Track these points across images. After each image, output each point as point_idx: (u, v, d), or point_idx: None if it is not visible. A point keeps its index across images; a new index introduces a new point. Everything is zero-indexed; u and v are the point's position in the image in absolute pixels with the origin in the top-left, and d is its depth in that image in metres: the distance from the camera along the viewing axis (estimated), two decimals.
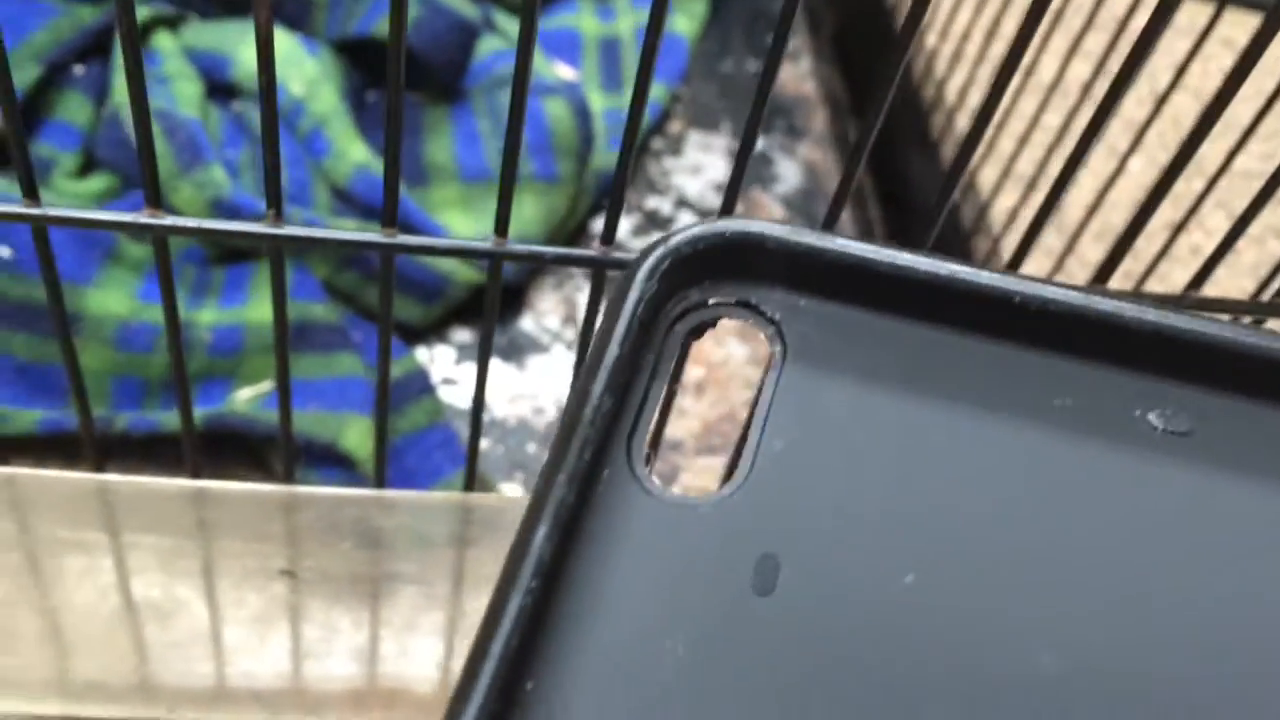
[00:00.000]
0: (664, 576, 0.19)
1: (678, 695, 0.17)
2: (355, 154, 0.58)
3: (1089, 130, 0.28)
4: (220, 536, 0.34)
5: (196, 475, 0.33)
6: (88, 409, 0.32)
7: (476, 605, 0.39)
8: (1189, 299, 0.34)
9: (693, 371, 0.63)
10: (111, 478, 0.31)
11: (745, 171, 0.27)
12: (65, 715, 0.40)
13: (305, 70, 0.59)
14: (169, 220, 0.28)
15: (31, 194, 0.28)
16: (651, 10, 0.25)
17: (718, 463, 0.62)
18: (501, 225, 0.29)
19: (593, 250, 0.30)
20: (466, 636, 0.40)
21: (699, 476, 0.61)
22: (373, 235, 0.29)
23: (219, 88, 0.60)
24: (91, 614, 0.38)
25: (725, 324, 0.65)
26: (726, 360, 0.65)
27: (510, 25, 0.69)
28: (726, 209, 0.28)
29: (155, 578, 0.36)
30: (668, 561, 0.19)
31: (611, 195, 0.29)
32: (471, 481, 0.34)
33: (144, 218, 0.28)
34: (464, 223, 0.59)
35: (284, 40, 0.60)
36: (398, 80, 0.25)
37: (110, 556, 0.35)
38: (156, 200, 0.28)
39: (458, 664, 0.41)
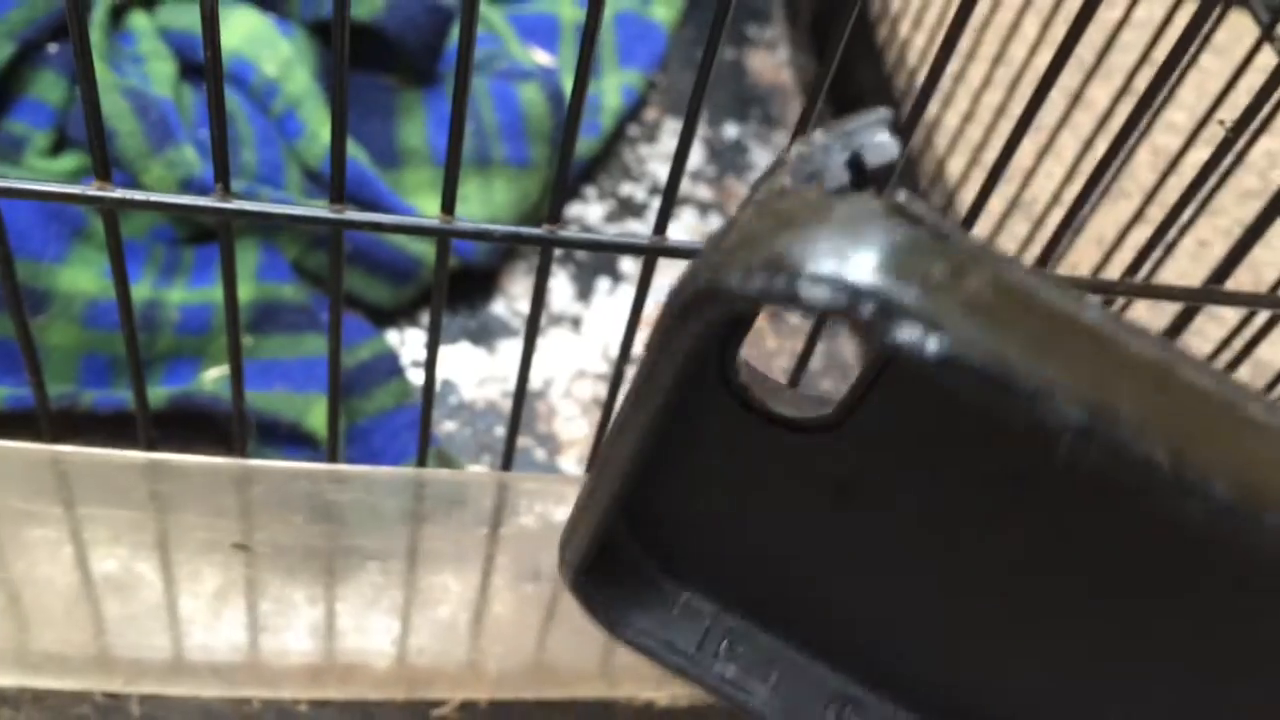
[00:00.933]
0: (747, 479, 0.20)
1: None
2: (327, 135, 0.58)
3: (1035, 96, 0.29)
4: (175, 509, 0.34)
5: (151, 448, 0.33)
6: (41, 383, 0.32)
7: (431, 581, 0.39)
8: (1210, 292, 0.34)
9: None
10: (66, 449, 0.32)
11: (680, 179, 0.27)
12: (23, 687, 0.40)
13: (279, 51, 0.59)
14: (118, 193, 0.29)
15: (105, 178, 0.28)
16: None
17: None
18: (448, 203, 0.30)
19: (540, 229, 0.31)
20: (421, 612, 0.40)
21: None
22: (320, 210, 0.29)
23: (193, 68, 0.60)
24: (49, 586, 0.38)
25: None
26: None
27: (488, 9, 0.69)
28: (663, 213, 0.29)
29: (112, 550, 0.37)
30: (752, 467, 0.20)
31: (556, 175, 0.29)
32: (424, 457, 0.35)
33: (92, 190, 0.28)
34: (435, 205, 0.59)
35: (257, 21, 0.60)
36: (343, 52, 0.25)
37: (67, 528, 0.35)
38: (106, 173, 0.28)
39: (413, 640, 0.41)
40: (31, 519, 0.34)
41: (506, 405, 0.59)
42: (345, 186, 0.28)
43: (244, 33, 0.60)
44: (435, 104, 0.62)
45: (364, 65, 0.64)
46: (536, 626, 0.42)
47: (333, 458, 0.34)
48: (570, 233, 0.31)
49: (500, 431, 0.61)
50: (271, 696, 0.41)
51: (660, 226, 0.32)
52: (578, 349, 0.62)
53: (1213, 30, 0.47)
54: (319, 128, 0.58)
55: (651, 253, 0.32)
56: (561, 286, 0.64)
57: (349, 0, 0.25)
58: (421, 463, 0.35)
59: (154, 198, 0.29)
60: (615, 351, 0.64)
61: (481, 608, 0.40)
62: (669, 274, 0.66)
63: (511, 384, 0.60)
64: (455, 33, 0.65)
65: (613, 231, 0.67)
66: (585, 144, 0.67)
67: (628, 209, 0.68)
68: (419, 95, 0.63)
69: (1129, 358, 0.14)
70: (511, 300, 0.63)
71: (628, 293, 0.65)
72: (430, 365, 0.33)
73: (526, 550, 0.38)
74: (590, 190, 0.68)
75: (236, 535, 0.35)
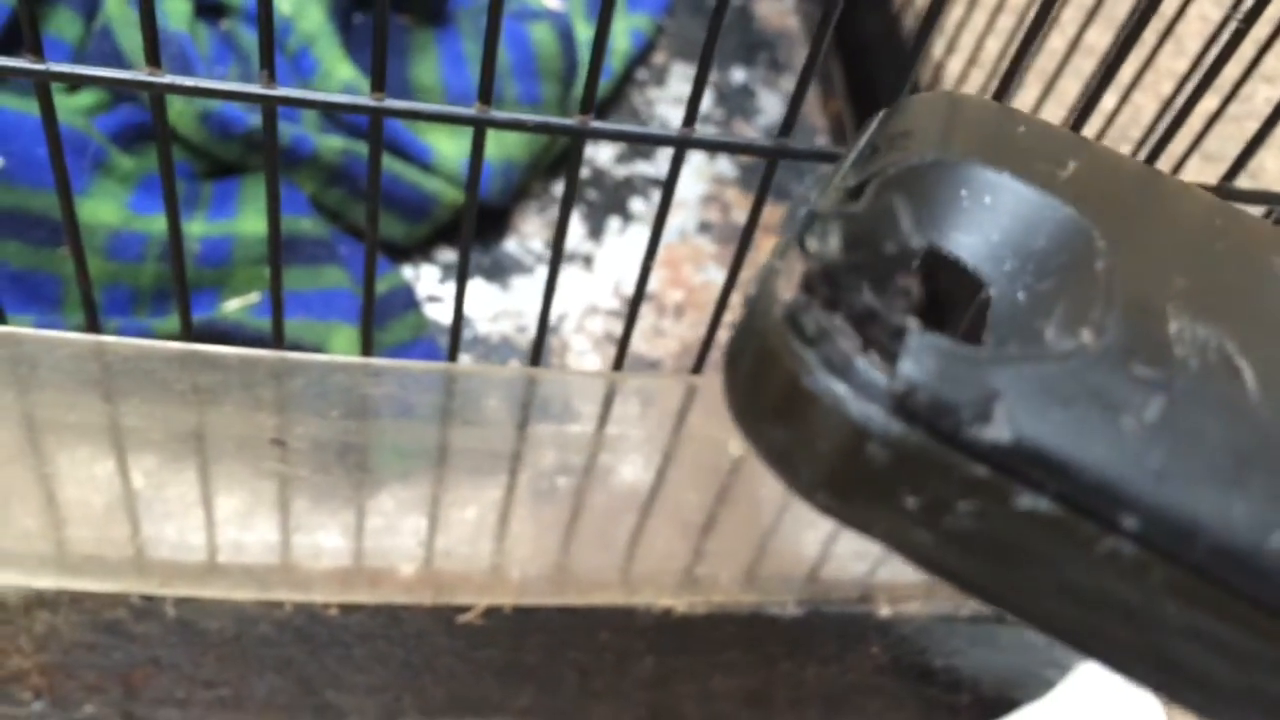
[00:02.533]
0: None
1: None
2: (342, 73, 0.59)
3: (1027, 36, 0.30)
4: (213, 403, 0.35)
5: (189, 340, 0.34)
6: (90, 294, 0.33)
7: (460, 481, 0.40)
8: (1227, 189, 0.35)
9: (671, 294, 0.65)
10: (109, 339, 0.32)
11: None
12: (61, 589, 0.41)
13: None
14: (167, 79, 0.30)
15: (37, 51, 0.29)
16: None
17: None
18: (485, 94, 0.31)
19: (573, 121, 0.32)
20: (449, 513, 0.41)
21: None
22: (363, 99, 0.30)
23: (207, 6, 0.60)
24: (88, 484, 0.39)
25: (706, 248, 0.66)
26: (706, 285, 0.66)
27: None
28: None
29: (149, 446, 0.37)
30: None
31: (590, 68, 0.30)
32: (455, 352, 0.36)
33: (143, 75, 0.29)
34: (450, 144, 0.60)
35: None
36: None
37: (106, 422, 0.36)
38: (155, 58, 0.29)
39: (441, 543, 0.42)
40: (73, 410, 0.35)
41: (521, 340, 0.60)
42: (372, 79, 0.29)
43: None
44: (448, 43, 0.63)
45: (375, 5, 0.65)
46: (558, 534, 0.44)
47: (366, 350, 0.35)
48: (602, 123, 0.32)
49: (516, 364, 0.62)
50: (303, 600, 0.42)
51: (690, 119, 0.33)
52: (590, 286, 0.63)
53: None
54: (333, 65, 0.59)
55: (682, 144, 0.33)
56: (573, 226, 0.65)
57: None
58: (453, 357, 0.36)
59: (203, 84, 0.30)
60: (626, 289, 0.65)
61: (506, 511, 0.42)
62: (678, 216, 0.67)
63: (526, 319, 0.61)
64: None
65: (623, 173, 0.68)
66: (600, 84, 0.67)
67: (637, 151, 0.69)
68: (431, 35, 0.64)
69: None
70: (524, 238, 0.64)
71: (638, 232, 0.66)
72: (461, 274, 0.34)
73: (553, 449, 0.39)
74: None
75: (273, 430, 0.36)
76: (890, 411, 0.14)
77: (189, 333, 0.34)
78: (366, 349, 0.35)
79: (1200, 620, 0.14)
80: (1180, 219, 0.19)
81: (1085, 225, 0.17)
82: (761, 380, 0.15)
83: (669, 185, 0.34)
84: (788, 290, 0.14)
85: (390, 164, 0.58)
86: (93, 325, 0.34)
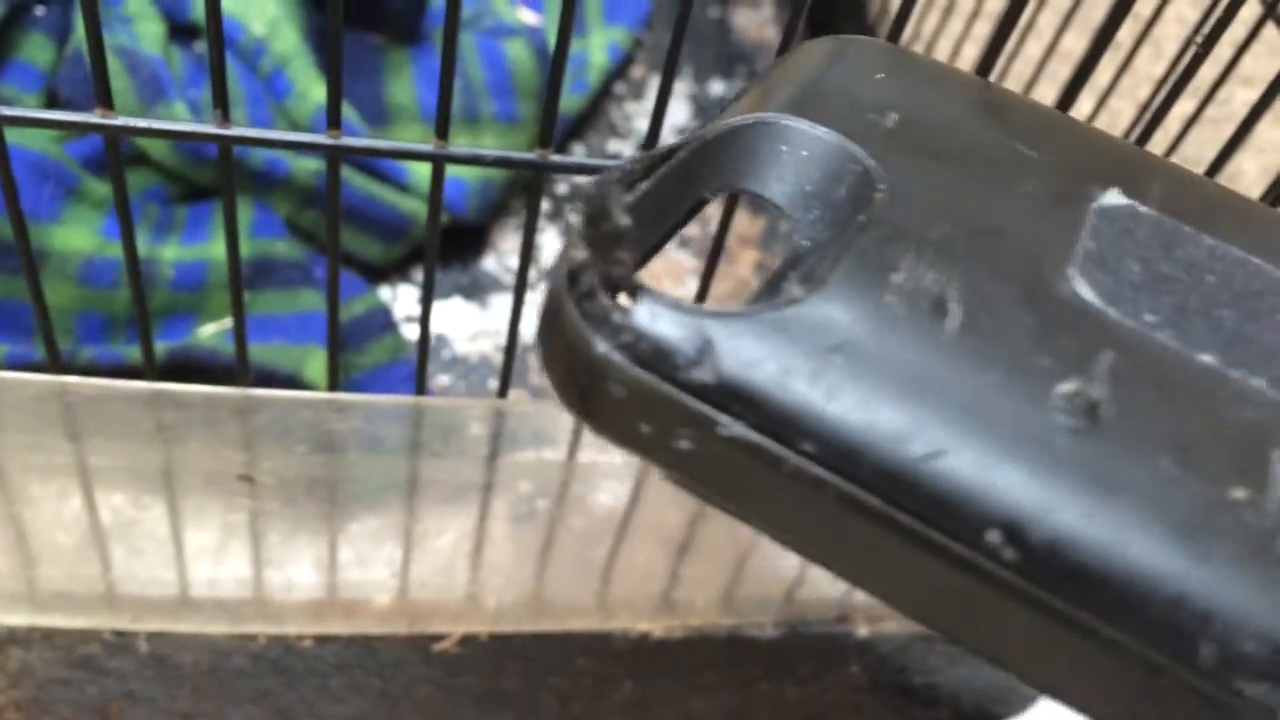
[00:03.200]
0: None
1: None
2: (317, 94, 0.59)
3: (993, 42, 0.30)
4: (179, 441, 0.35)
5: (157, 379, 0.34)
6: (51, 335, 0.33)
7: (431, 512, 0.40)
8: None
9: None
10: (73, 379, 0.32)
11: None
12: (33, 625, 0.41)
13: (266, 10, 0.60)
14: (120, 120, 0.29)
15: None
16: None
17: None
18: (442, 129, 0.31)
19: (533, 155, 0.31)
20: (422, 544, 0.41)
21: None
22: (318, 137, 0.30)
23: (180, 29, 0.60)
24: (56, 522, 0.39)
25: (686, 263, 0.65)
26: (686, 300, 0.66)
27: None
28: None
29: (117, 484, 0.37)
30: None
31: (546, 103, 0.30)
32: (422, 385, 0.35)
33: (95, 117, 0.29)
34: (427, 164, 0.60)
35: None
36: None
37: (74, 460, 0.36)
38: (108, 100, 0.29)
39: (415, 573, 0.42)
40: (39, 450, 0.35)
41: (499, 359, 0.60)
42: (328, 116, 0.28)
43: None
44: (423, 61, 0.63)
45: (351, 24, 0.64)
46: (534, 559, 0.43)
47: (332, 387, 0.35)
48: (562, 157, 0.31)
49: (494, 385, 0.62)
50: (277, 632, 0.42)
51: (651, 145, 0.32)
52: None
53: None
54: (308, 86, 0.59)
55: None
56: (550, 241, 0.65)
57: None
58: (420, 391, 0.36)
59: (156, 125, 0.30)
60: None
61: (480, 539, 0.41)
62: None
63: (504, 338, 0.61)
64: None
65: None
66: (572, 101, 0.67)
67: None
68: (406, 53, 0.63)
69: None
70: (502, 256, 0.64)
71: None
72: (426, 301, 0.33)
73: (524, 479, 0.39)
74: (578, 147, 0.69)
75: (241, 466, 0.36)
76: (624, 354, 0.17)
77: (152, 367, 0.34)
78: (333, 384, 0.35)
79: (874, 534, 0.16)
80: (982, 166, 0.21)
81: (872, 175, 0.20)
82: (549, 326, 0.18)
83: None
84: (577, 253, 0.17)
85: (366, 184, 0.58)
86: (54, 360, 0.34)
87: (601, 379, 0.17)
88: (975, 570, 0.16)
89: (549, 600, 0.45)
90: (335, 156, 0.30)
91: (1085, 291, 0.19)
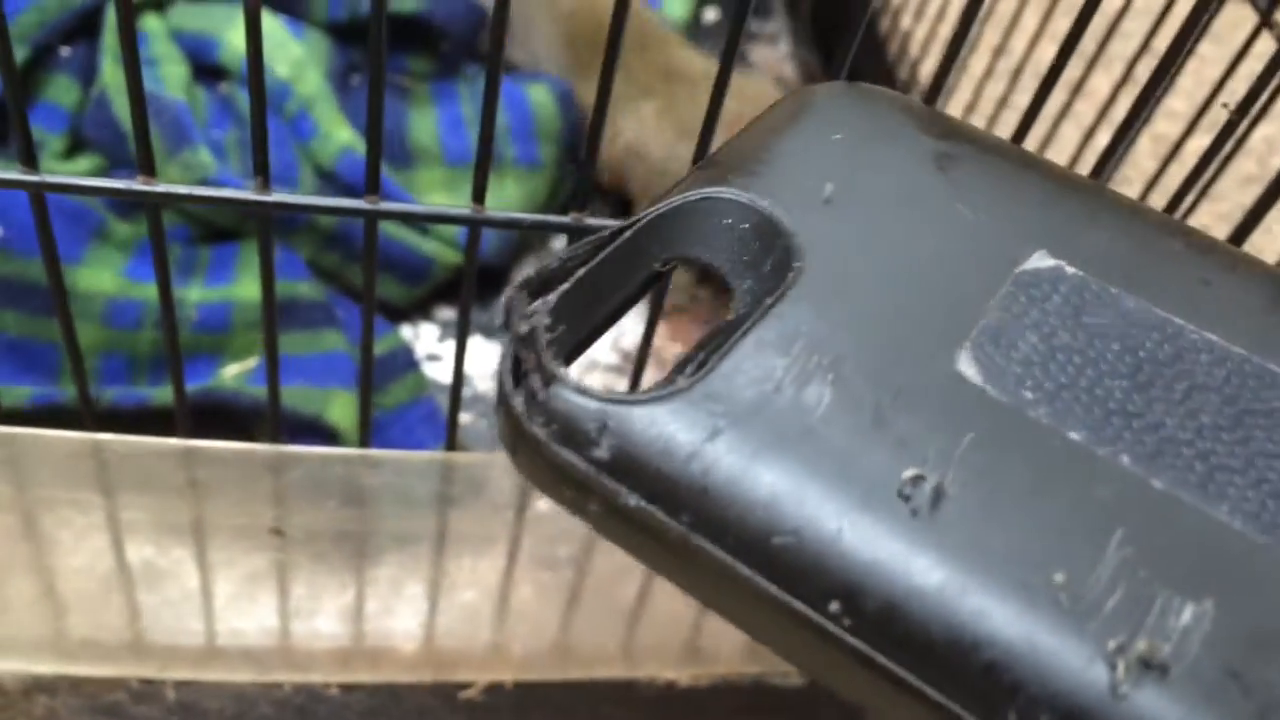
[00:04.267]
0: None
1: None
2: (341, 135, 0.59)
3: (1041, 88, 0.30)
4: (210, 496, 0.35)
5: (188, 436, 0.34)
6: (83, 374, 0.33)
7: (458, 564, 0.40)
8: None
9: (672, 349, 0.65)
10: (105, 437, 0.32)
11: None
12: (60, 674, 0.41)
13: (291, 52, 0.60)
14: (162, 188, 0.30)
15: (30, 163, 0.29)
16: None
17: None
18: (479, 193, 0.31)
19: (568, 218, 0.32)
20: (448, 595, 0.41)
21: None
22: (357, 202, 0.30)
23: (206, 69, 0.61)
24: (86, 573, 0.39)
25: (707, 301, 0.65)
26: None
27: None
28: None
29: (148, 537, 0.37)
30: None
31: (580, 166, 0.30)
32: (453, 441, 0.36)
33: (138, 185, 0.29)
34: (448, 205, 0.60)
35: (269, 22, 0.61)
36: (380, 44, 0.26)
37: (105, 515, 0.36)
38: (150, 168, 0.29)
39: (441, 622, 0.42)
40: (72, 506, 0.35)
41: None
42: (357, 184, 0.29)
43: None
44: (446, 104, 0.63)
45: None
46: (559, 608, 0.43)
47: (364, 443, 0.35)
48: (598, 219, 0.32)
49: None
50: (302, 680, 0.42)
51: None
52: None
53: (1212, 17, 0.48)
54: (331, 128, 0.59)
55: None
56: None
57: None
58: (450, 448, 0.36)
59: (198, 192, 0.30)
60: (626, 344, 0.65)
61: (506, 590, 0.41)
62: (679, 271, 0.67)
63: None
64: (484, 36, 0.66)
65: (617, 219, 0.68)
66: None
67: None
68: (429, 95, 0.64)
69: None
70: None
71: None
72: (459, 358, 0.34)
73: (549, 532, 0.39)
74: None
75: (271, 520, 0.36)
76: (547, 432, 0.19)
77: (185, 416, 0.34)
78: (365, 440, 0.35)
79: (743, 596, 0.18)
80: (912, 234, 0.22)
81: (793, 250, 0.21)
82: (499, 405, 0.20)
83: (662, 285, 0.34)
84: (514, 345, 0.20)
85: (386, 225, 0.58)
86: (88, 413, 0.34)
87: (534, 452, 0.19)
88: (822, 632, 0.18)
89: (574, 649, 0.45)
90: (373, 221, 0.31)
91: (968, 370, 0.20)
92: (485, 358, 0.61)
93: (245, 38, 0.26)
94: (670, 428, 0.19)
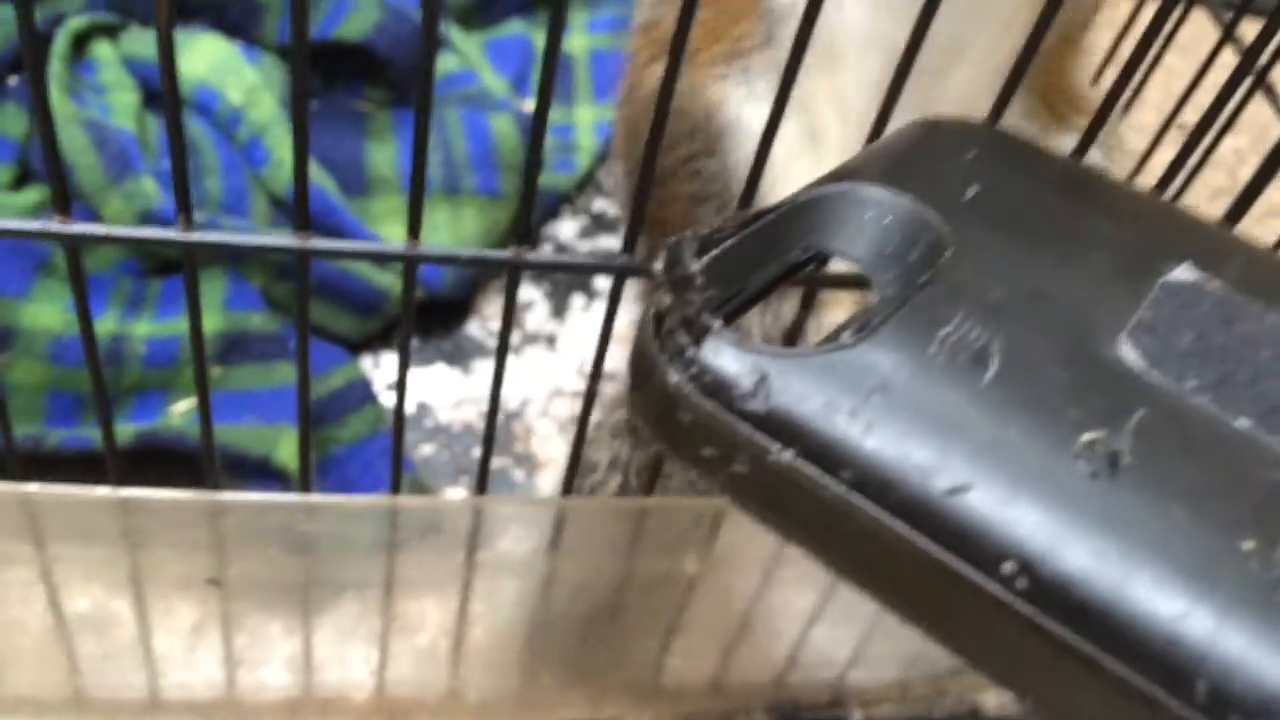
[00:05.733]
0: None
1: None
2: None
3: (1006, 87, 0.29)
4: (146, 545, 0.34)
5: (121, 484, 0.33)
6: (7, 422, 0.32)
7: (408, 609, 0.39)
8: None
9: None
10: (34, 488, 0.31)
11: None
12: None
13: (244, 78, 0.59)
14: (78, 228, 0.28)
15: None
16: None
17: None
18: (414, 228, 0.30)
19: (507, 253, 0.30)
20: (400, 641, 0.40)
21: None
22: (285, 240, 0.29)
23: (158, 97, 0.59)
24: (21, 627, 0.37)
25: None
26: None
27: (464, 42, 0.69)
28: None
29: (85, 589, 0.36)
30: None
31: (523, 197, 0.29)
32: (397, 485, 0.34)
33: (54, 226, 0.28)
34: (403, 234, 0.59)
35: (222, 48, 0.60)
36: (303, 80, 0.25)
37: (38, 568, 0.34)
38: (65, 208, 0.28)
39: (392, 670, 0.41)
40: (3, 559, 0.34)
41: (483, 425, 0.59)
42: (310, 214, 0.28)
43: (209, 60, 0.60)
44: (406, 131, 0.62)
45: (337, 90, 0.64)
46: (517, 651, 0.42)
47: (304, 488, 0.34)
48: (538, 255, 0.30)
49: (478, 453, 0.60)
50: None
51: (629, 245, 0.32)
52: (554, 367, 0.62)
53: (1175, 30, 0.47)
54: (285, 155, 0.58)
55: (621, 272, 0.32)
56: (537, 304, 0.64)
57: (306, 22, 0.25)
58: (395, 490, 0.34)
59: (116, 231, 0.29)
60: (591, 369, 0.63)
61: (460, 635, 0.40)
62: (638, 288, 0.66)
63: (486, 404, 0.59)
64: (439, 59, 0.65)
65: (585, 248, 0.67)
66: (560, 179, 0.67)
67: (600, 224, 0.68)
68: (390, 122, 0.63)
69: None
70: (485, 320, 0.63)
71: (603, 309, 0.65)
72: (399, 400, 0.32)
73: (502, 575, 0.38)
74: (563, 207, 0.68)
75: (209, 570, 0.34)
76: (692, 385, 0.19)
77: (115, 463, 0.33)
78: (305, 484, 0.34)
79: (901, 558, 0.18)
80: (1052, 237, 0.23)
81: (942, 239, 0.21)
82: (636, 361, 0.20)
83: (609, 314, 0.33)
84: (662, 298, 0.20)
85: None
86: (15, 464, 0.32)
87: (673, 406, 0.19)
88: (991, 598, 0.17)
89: (534, 692, 0.43)
90: (304, 259, 0.29)
91: (1129, 355, 0.19)
92: (446, 386, 0.60)
93: (160, 65, 0.25)
94: (834, 383, 0.19)
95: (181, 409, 0.53)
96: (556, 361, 0.62)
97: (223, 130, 0.58)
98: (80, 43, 0.59)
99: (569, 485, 0.37)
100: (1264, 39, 0.28)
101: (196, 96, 0.59)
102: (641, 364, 0.20)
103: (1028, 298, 0.20)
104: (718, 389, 0.19)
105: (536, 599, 0.40)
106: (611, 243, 0.67)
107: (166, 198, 0.54)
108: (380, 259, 0.30)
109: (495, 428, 0.35)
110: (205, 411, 0.32)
